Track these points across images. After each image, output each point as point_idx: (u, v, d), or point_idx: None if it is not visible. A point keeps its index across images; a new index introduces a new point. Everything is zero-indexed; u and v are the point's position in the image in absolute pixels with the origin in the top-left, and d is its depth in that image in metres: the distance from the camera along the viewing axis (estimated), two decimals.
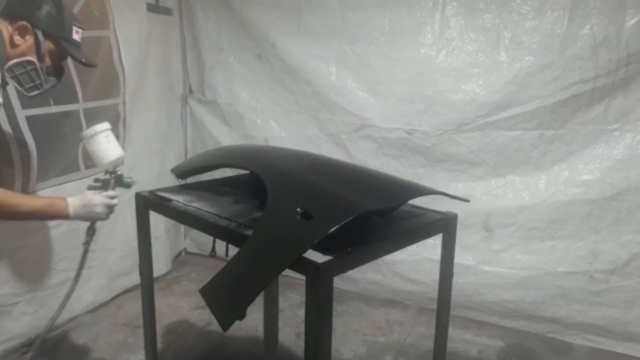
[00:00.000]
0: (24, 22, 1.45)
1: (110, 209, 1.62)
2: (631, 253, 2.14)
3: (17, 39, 1.45)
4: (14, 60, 1.45)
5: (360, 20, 2.48)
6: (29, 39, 1.47)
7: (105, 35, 2.39)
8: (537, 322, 2.35)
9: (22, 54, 1.47)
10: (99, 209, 1.58)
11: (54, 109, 2.17)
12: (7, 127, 1.95)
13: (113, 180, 1.68)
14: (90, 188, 1.65)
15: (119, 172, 1.70)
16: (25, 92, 1.51)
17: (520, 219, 2.32)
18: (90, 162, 2.37)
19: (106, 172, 1.70)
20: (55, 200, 1.57)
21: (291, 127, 2.74)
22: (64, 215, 1.56)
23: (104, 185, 1.67)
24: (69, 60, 2.22)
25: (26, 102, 2.01)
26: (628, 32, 2.02)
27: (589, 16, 2.07)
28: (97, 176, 1.71)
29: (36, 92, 1.52)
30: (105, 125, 1.68)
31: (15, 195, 1.59)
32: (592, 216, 2.19)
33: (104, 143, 1.66)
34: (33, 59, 1.48)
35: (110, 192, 1.63)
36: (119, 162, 1.70)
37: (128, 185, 1.72)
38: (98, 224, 1.73)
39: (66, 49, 1.55)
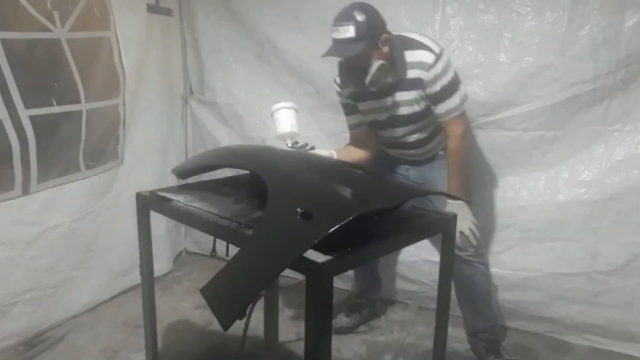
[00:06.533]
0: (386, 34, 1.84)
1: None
2: (631, 254, 2.13)
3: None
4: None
5: None
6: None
7: (106, 36, 2.39)
8: (536, 323, 2.35)
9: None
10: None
11: (57, 109, 2.17)
12: (9, 127, 1.95)
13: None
14: None
15: (295, 146, 1.96)
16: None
17: (520, 219, 2.31)
18: (90, 162, 2.38)
19: (290, 144, 1.98)
20: None
21: None
22: None
23: None
24: (71, 61, 2.24)
25: (30, 102, 2.02)
26: (627, 32, 2.02)
27: (588, 17, 2.07)
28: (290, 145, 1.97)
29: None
30: (287, 104, 1.99)
31: None
32: (591, 217, 2.19)
33: (281, 118, 1.97)
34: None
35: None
36: (289, 136, 1.97)
37: None
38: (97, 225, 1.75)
39: None
